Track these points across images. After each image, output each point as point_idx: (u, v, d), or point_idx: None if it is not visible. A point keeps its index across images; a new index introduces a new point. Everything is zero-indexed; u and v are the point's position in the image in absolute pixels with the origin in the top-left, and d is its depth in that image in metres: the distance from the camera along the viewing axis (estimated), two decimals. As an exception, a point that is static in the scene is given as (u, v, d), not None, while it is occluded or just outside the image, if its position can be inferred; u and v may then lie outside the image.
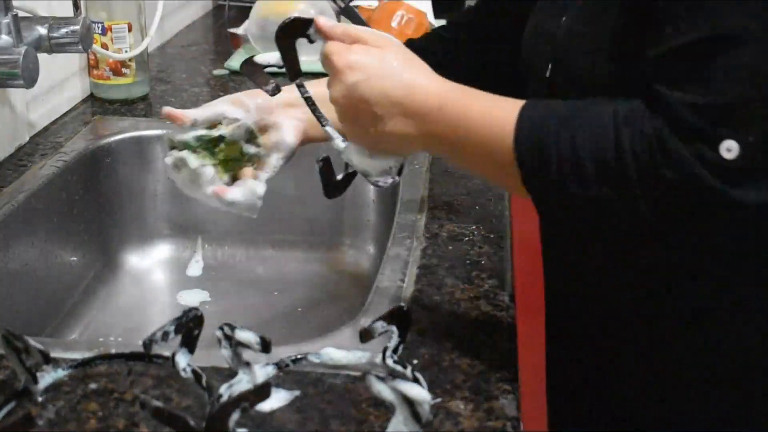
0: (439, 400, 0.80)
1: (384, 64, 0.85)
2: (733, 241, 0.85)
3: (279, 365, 0.84)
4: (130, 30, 1.50)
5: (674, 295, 0.90)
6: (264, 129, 1.02)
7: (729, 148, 0.71)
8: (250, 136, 1.01)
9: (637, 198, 0.75)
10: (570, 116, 0.79)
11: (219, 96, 1.10)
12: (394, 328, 0.82)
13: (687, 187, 0.73)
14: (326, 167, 0.95)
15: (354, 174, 0.97)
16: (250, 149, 1.00)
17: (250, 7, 1.74)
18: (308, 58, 0.94)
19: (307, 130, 1.03)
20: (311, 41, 0.89)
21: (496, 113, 0.82)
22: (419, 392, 0.75)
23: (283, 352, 0.85)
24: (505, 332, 0.92)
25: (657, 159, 0.74)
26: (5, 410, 0.77)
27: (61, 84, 1.47)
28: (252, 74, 0.95)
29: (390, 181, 0.92)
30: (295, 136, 1.02)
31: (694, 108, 0.73)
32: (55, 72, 1.44)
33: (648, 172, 0.74)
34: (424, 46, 1.02)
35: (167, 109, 1.00)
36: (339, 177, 0.97)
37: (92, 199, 1.34)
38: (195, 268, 1.40)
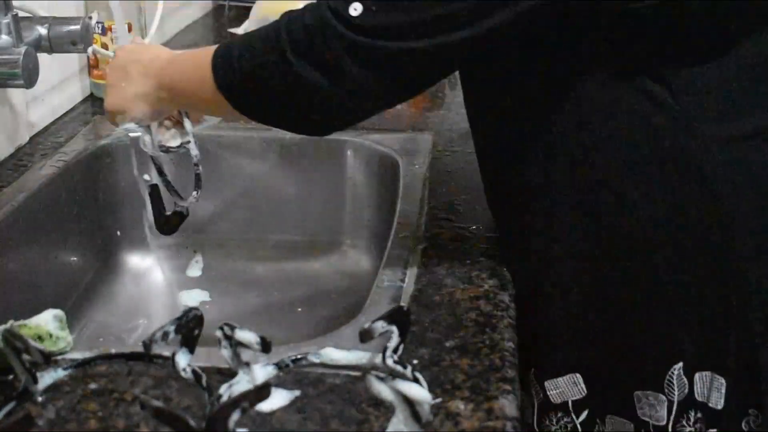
0: (439, 400, 0.80)
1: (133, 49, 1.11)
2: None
3: (279, 365, 0.84)
4: (130, 30, 1.50)
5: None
6: None
7: (355, 8, 0.89)
8: None
9: (289, 52, 0.91)
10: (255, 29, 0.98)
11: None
12: (394, 328, 0.82)
13: (320, 29, 0.90)
14: (154, 194, 1.17)
15: (185, 214, 1.18)
16: None
17: (250, 7, 1.75)
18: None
19: None
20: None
21: (204, 50, 1.01)
22: (419, 392, 0.75)
23: (283, 352, 0.85)
24: (505, 332, 0.92)
25: (304, 12, 0.92)
26: (5, 410, 0.77)
27: (61, 84, 1.47)
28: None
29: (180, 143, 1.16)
30: None
31: None
32: (55, 72, 1.44)
33: (295, 25, 0.91)
34: None
35: None
36: (168, 213, 1.17)
37: (92, 199, 1.34)
38: (195, 269, 1.40)
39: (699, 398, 0.98)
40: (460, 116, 1.42)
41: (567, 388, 1.01)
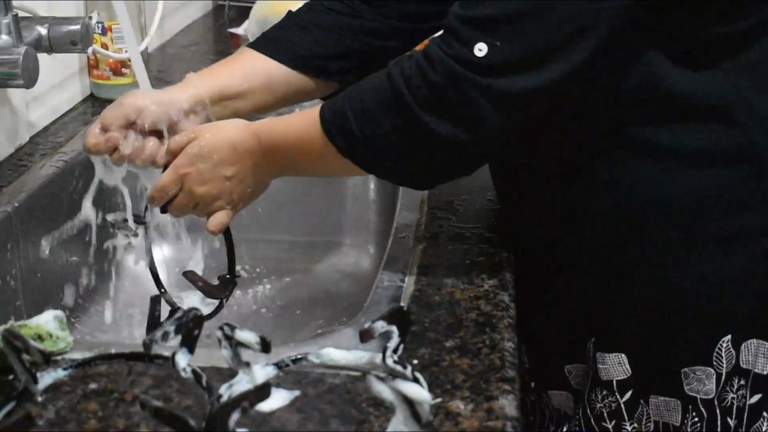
0: (439, 400, 0.80)
1: (201, 148, 1.02)
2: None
3: (279, 365, 0.84)
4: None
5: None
6: (173, 133, 1.10)
7: (480, 49, 0.87)
8: None
9: (420, 114, 0.90)
10: (357, 87, 0.96)
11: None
12: (394, 328, 0.82)
13: (452, 83, 0.88)
14: (193, 277, 1.14)
15: (233, 280, 1.15)
16: None
17: (250, 7, 1.74)
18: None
19: None
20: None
21: (302, 119, 0.99)
22: (419, 392, 0.75)
23: (283, 352, 0.85)
24: (505, 332, 0.92)
25: (423, 68, 0.90)
26: (5, 410, 0.77)
27: (61, 84, 1.47)
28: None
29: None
30: None
31: (461, 18, 0.90)
32: (55, 72, 1.44)
33: (416, 82, 0.90)
34: (312, 20, 1.15)
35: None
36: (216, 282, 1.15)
37: (92, 199, 1.34)
38: (195, 269, 1.39)
39: (744, 366, 1.00)
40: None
41: (612, 367, 1.02)
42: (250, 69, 1.15)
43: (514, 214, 1.12)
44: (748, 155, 0.96)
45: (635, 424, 1.03)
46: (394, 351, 0.82)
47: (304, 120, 0.99)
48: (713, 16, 0.93)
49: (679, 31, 0.94)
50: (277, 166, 1.03)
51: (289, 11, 1.19)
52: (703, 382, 1.00)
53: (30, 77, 1.15)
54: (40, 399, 0.80)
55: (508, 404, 0.80)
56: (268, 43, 1.16)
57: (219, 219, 1.04)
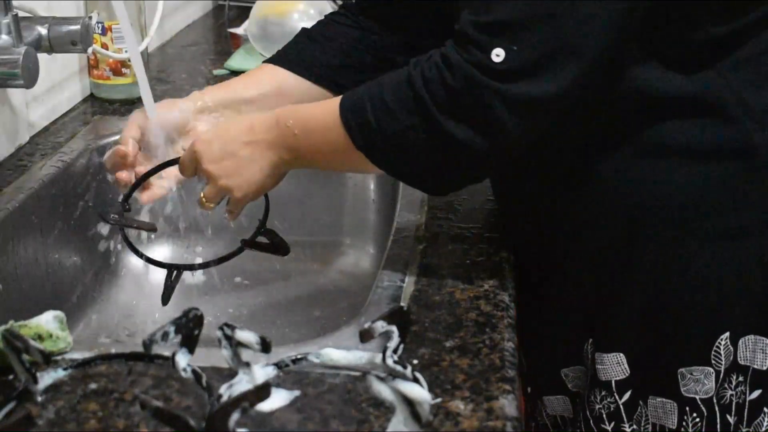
0: (439, 400, 0.80)
1: (219, 128, 1.06)
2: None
3: (279, 365, 0.84)
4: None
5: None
6: (184, 133, 1.14)
7: (498, 54, 0.87)
8: None
9: (437, 114, 0.90)
10: (378, 81, 0.95)
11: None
12: (394, 328, 0.82)
13: (469, 89, 0.88)
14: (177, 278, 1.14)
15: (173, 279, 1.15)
16: None
17: (250, 7, 1.74)
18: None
19: None
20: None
21: (322, 105, 0.99)
22: (419, 392, 0.75)
23: (283, 352, 0.85)
24: (505, 332, 0.92)
25: (442, 72, 0.89)
26: (5, 410, 0.77)
27: (61, 84, 1.47)
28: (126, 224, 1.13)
29: None
30: None
31: (475, 24, 0.89)
32: (55, 72, 1.44)
33: (435, 86, 0.89)
34: (324, 34, 1.18)
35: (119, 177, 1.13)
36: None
37: (92, 199, 1.34)
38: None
39: (742, 362, 1.00)
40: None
41: (611, 367, 1.02)
42: (262, 77, 1.17)
43: (510, 214, 1.12)
44: (742, 151, 0.96)
45: (634, 426, 1.03)
46: (394, 351, 0.82)
47: (326, 107, 0.98)
48: (706, 16, 0.94)
49: (674, 30, 0.94)
50: (291, 152, 1.01)
51: (303, 28, 1.22)
52: (701, 382, 1.00)
53: (30, 77, 1.15)
54: (40, 399, 0.80)
55: (508, 404, 0.80)
56: (280, 55, 1.19)
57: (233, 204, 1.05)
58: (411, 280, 1.01)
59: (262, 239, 1.15)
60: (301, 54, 1.17)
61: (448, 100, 0.90)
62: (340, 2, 1.66)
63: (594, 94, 0.95)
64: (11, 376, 0.83)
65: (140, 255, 1.13)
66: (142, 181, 1.12)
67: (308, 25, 1.24)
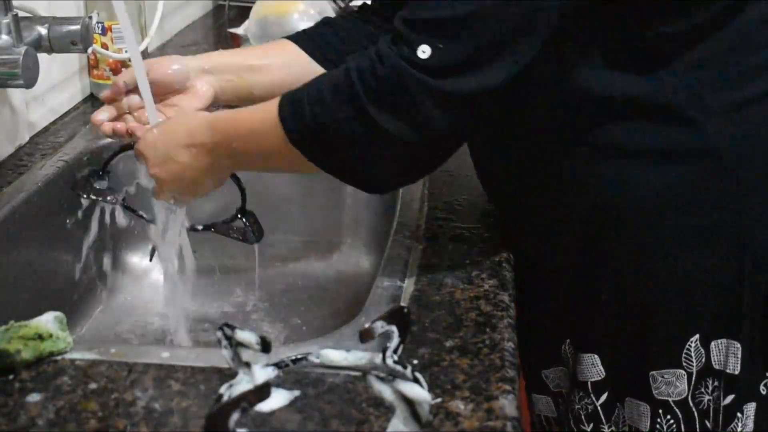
0: (439, 400, 0.80)
1: (164, 129, 1.06)
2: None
3: (279, 365, 0.84)
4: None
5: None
6: (181, 91, 1.18)
7: (423, 51, 0.88)
8: None
9: (367, 104, 0.90)
10: (319, 76, 0.98)
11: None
12: (394, 328, 0.82)
13: (398, 80, 0.89)
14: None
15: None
16: None
17: (250, 7, 1.74)
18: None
19: (217, 94, 1.19)
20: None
21: (263, 106, 0.99)
22: (419, 392, 0.75)
23: (283, 352, 0.85)
24: (505, 332, 0.92)
25: (374, 63, 0.91)
26: (5, 409, 0.77)
27: (61, 84, 1.47)
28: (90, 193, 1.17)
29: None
30: (205, 98, 1.18)
31: (404, 20, 0.91)
32: (55, 72, 1.44)
33: (367, 75, 0.91)
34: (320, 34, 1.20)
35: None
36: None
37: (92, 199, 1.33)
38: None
39: (716, 366, 1.00)
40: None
41: (587, 368, 1.02)
42: (272, 49, 1.21)
43: (502, 216, 1.13)
44: (704, 152, 0.95)
45: (613, 427, 1.03)
46: (394, 351, 0.82)
47: (266, 106, 0.98)
48: (658, 15, 0.93)
49: (626, 31, 0.94)
50: (230, 157, 1.02)
51: (325, 17, 1.26)
52: (673, 385, 1.00)
53: (30, 77, 1.15)
54: (39, 398, 0.79)
55: (508, 404, 0.80)
56: (297, 33, 1.22)
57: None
58: (411, 280, 1.01)
59: (239, 223, 1.19)
60: (315, 35, 1.20)
61: (377, 90, 0.90)
62: (340, 2, 1.66)
63: (537, 92, 0.96)
64: (11, 376, 0.83)
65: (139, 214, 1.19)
66: (110, 159, 1.18)
67: (308, 25, 1.25)
